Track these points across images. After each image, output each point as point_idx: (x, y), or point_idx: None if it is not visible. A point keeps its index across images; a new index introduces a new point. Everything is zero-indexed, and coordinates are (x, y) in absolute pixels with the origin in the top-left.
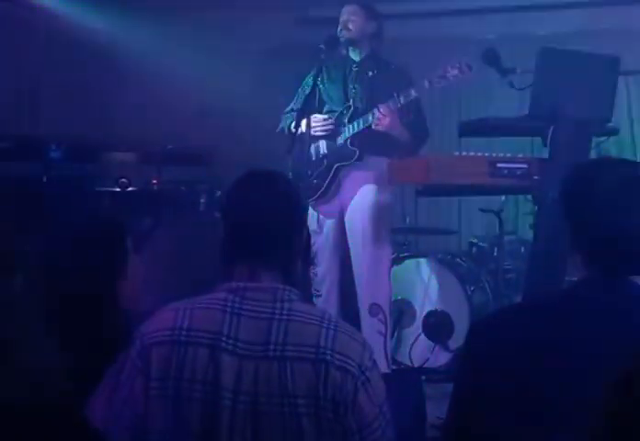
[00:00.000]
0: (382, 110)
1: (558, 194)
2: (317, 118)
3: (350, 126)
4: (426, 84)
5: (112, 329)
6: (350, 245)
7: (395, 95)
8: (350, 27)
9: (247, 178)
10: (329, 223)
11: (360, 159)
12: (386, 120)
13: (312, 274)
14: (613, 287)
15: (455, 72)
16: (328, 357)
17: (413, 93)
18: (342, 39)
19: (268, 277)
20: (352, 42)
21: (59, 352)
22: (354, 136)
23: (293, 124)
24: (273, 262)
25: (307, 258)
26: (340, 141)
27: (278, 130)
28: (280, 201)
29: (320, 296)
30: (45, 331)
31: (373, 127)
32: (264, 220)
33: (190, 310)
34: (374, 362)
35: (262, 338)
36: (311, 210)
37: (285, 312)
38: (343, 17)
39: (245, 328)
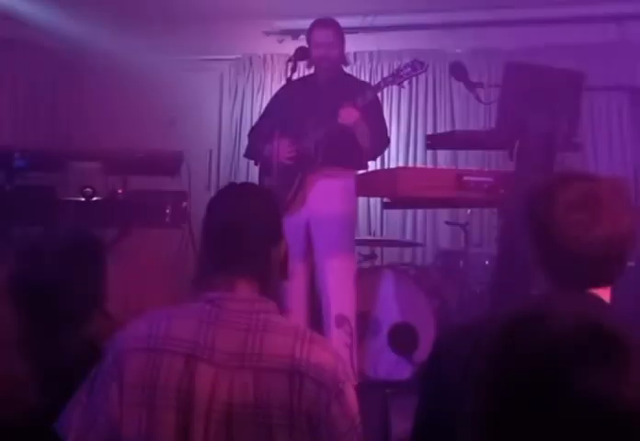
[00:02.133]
0: (346, 105)
1: (522, 209)
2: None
3: (316, 130)
4: (381, 83)
5: (84, 344)
6: (316, 256)
7: (362, 93)
8: (331, 56)
9: (227, 190)
10: (295, 234)
11: (315, 164)
12: (352, 115)
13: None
14: (572, 301)
15: (408, 70)
16: (303, 369)
17: (369, 93)
18: (323, 67)
19: (246, 288)
20: (332, 69)
21: (28, 366)
22: (319, 141)
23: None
24: (251, 273)
25: (285, 270)
26: (305, 146)
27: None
28: (259, 213)
29: (291, 310)
30: (16, 342)
31: (339, 121)
32: (242, 232)
33: (166, 319)
34: (347, 375)
35: (238, 348)
36: None
37: (261, 324)
38: (321, 48)
39: (221, 338)
